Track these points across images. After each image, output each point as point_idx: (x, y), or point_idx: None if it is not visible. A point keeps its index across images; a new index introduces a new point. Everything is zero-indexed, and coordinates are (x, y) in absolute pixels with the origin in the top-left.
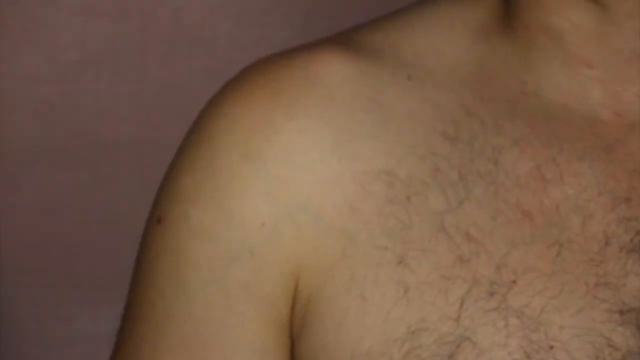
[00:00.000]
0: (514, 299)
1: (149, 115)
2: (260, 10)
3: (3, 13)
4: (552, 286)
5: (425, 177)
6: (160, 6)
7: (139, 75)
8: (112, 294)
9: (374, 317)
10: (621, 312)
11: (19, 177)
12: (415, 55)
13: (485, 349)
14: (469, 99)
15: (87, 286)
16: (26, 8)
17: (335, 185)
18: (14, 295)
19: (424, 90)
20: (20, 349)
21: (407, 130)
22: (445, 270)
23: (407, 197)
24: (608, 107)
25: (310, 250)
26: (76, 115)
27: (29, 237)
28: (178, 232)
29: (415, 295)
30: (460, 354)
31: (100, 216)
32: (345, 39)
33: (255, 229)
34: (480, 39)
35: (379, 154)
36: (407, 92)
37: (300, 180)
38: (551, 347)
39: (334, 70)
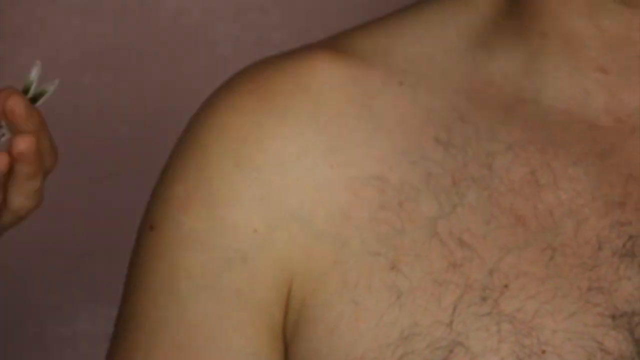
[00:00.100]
0: (507, 304)
1: (149, 115)
2: (260, 10)
3: (3, 13)
4: (545, 291)
5: (418, 182)
6: (160, 6)
7: (139, 75)
8: (112, 294)
9: (367, 323)
10: (613, 317)
11: None
12: (407, 60)
13: (478, 353)
14: (462, 104)
15: (87, 286)
16: (26, 8)
17: (327, 192)
18: (14, 295)
19: (416, 95)
20: (20, 349)
21: (398, 136)
22: (438, 276)
23: (399, 202)
24: (610, 112)
25: (303, 257)
26: (76, 115)
27: (29, 237)
28: (170, 240)
29: (408, 300)
30: (453, 358)
31: (100, 216)
32: (336, 44)
33: (248, 235)
34: (475, 45)
35: (371, 160)
36: (398, 97)
37: (293, 187)
38: (543, 352)
39: (325, 76)
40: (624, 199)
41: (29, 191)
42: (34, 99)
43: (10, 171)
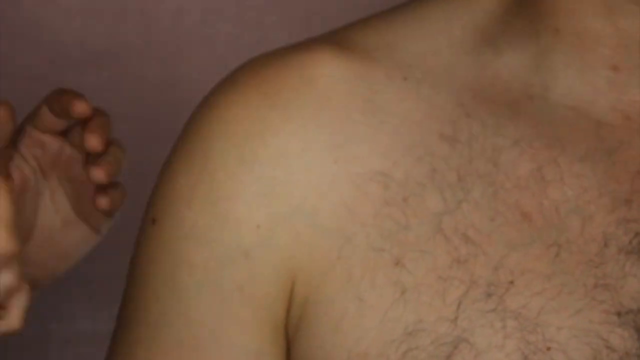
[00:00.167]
0: (512, 300)
1: (149, 115)
2: (260, 10)
3: (3, 13)
4: (551, 287)
5: (422, 178)
6: (160, 6)
7: (139, 75)
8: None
9: (371, 319)
10: (619, 314)
11: None
12: (411, 55)
13: (483, 350)
14: (468, 99)
15: (87, 286)
16: (26, 8)
17: (332, 187)
18: None
19: (421, 90)
20: (20, 349)
21: (403, 131)
22: (443, 272)
23: (403, 198)
24: (619, 110)
25: (307, 252)
26: None
27: None
28: (172, 234)
29: (412, 296)
30: (457, 355)
31: None
32: (340, 38)
33: (251, 231)
34: (481, 41)
35: (375, 156)
36: (403, 92)
37: (296, 182)
38: (548, 349)
39: (329, 71)
40: (631, 196)
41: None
42: None
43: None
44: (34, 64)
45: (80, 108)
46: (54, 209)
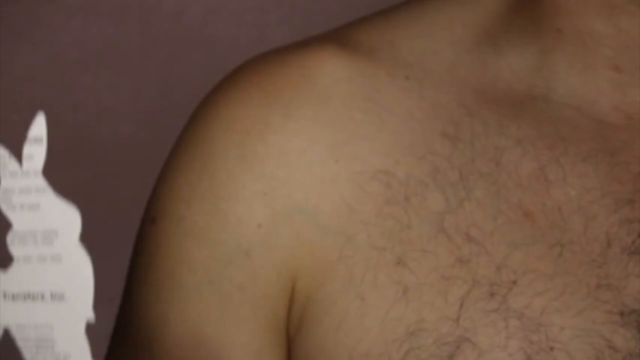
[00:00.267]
0: (515, 300)
1: (149, 115)
2: (260, 10)
3: (3, 13)
4: (553, 287)
5: (424, 177)
6: (160, 6)
7: (139, 75)
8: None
9: (372, 318)
10: (622, 314)
11: None
12: (413, 55)
13: (486, 350)
14: (470, 99)
15: None
16: (26, 8)
17: (333, 186)
18: None
19: (423, 89)
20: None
21: (405, 130)
22: (445, 271)
23: (405, 197)
24: (622, 110)
25: (308, 252)
26: (76, 115)
27: None
28: (172, 234)
29: (414, 295)
30: (460, 355)
31: (100, 216)
32: (340, 37)
33: (252, 230)
34: (482, 41)
35: (377, 154)
36: (404, 91)
37: (297, 181)
38: (552, 349)
39: (330, 69)
40: (634, 196)
41: None
42: None
43: None
44: (34, 64)
45: None
46: None
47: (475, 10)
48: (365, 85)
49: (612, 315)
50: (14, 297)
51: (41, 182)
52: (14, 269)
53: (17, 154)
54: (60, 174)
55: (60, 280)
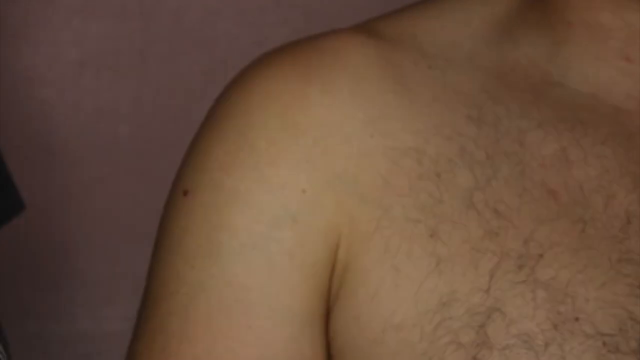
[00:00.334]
0: (542, 272)
1: (149, 115)
2: (260, 10)
3: (3, 13)
4: (577, 261)
5: (453, 155)
6: (160, 6)
7: (139, 75)
8: (113, 294)
9: (406, 289)
10: None
11: (19, 177)
12: (435, 47)
13: (515, 319)
14: (491, 86)
15: (87, 286)
16: (26, 8)
17: (369, 159)
18: (14, 295)
19: (446, 77)
20: (20, 349)
21: (432, 112)
22: (475, 244)
23: (436, 173)
24: (634, 98)
25: (348, 220)
26: (76, 115)
27: (28, 237)
28: (210, 203)
29: (446, 267)
30: (490, 324)
31: (100, 216)
32: (366, 29)
33: (297, 195)
34: (500, 33)
35: (408, 133)
36: (429, 79)
37: (337, 152)
38: (577, 319)
39: (361, 53)
40: None
41: None
42: None
43: None
44: (34, 64)
45: None
46: None
47: (491, 6)
48: (392, 70)
49: (634, 288)
50: None
51: None
52: None
53: (18, 151)
54: (60, 174)
55: None
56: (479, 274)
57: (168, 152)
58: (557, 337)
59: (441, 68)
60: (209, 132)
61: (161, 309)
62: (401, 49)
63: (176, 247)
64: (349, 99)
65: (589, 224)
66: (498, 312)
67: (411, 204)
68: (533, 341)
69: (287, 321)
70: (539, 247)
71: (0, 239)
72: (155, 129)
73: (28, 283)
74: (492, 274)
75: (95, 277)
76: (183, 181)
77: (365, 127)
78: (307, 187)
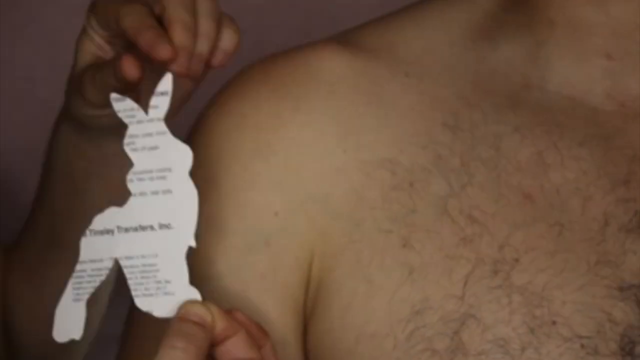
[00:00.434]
0: (517, 277)
1: None
2: (260, 10)
3: (3, 13)
4: (554, 264)
5: (428, 164)
6: None
7: None
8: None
9: (379, 300)
10: (621, 289)
11: (19, 177)
12: (411, 54)
13: (490, 325)
14: (468, 92)
15: None
16: (26, 8)
17: (342, 175)
18: None
19: (422, 85)
20: None
21: (407, 121)
22: (449, 251)
23: (410, 183)
24: (614, 98)
25: (321, 238)
26: None
27: None
28: None
29: (419, 275)
30: (465, 330)
31: None
32: (342, 38)
33: (270, 218)
34: (478, 38)
35: (382, 144)
36: (405, 87)
37: (309, 171)
38: (554, 322)
39: (334, 66)
40: (628, 177)
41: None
42: None
43: None
44: (34, 64)
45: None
46: None
47: (470, 11)
48: (367, 81)
49: (612, 290)
50: (126, 230)
51: (162, 127)
52: (130, 204)
53: (18, 151)
54: None
55: (169, 212)
56: (453, 281)
57: None
58: (533, 341)
59: (418, 76)
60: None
61: (146, 333)
62: (377, 58)
63: None
64: (322, 115)
65: (566, 227)
66: (473, 318)
67: (384, 215)
68: (509, 345)
69: None
70: (515, 252)
71: (0, 239)
72: None
73: None
74: (467, 280)
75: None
76: None
77: (338, 143)
78: (280, 209)
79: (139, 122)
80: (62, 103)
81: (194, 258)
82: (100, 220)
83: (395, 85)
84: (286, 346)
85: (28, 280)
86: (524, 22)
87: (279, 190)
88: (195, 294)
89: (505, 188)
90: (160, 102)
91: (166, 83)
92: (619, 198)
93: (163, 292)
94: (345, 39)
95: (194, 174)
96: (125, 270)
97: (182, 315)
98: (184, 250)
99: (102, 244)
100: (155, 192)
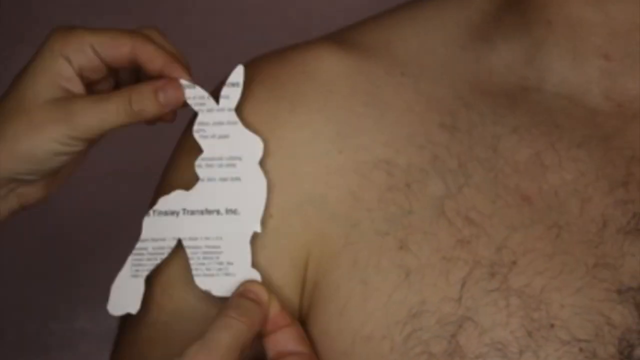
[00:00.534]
0: (515, 279)
1: None
2: (260, 10)
3: (3, 13)
4: (552, 266)
5: (424, 165)
6: (160, 6)
7: None
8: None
9: (375, 302)
10: (619, 292)
11: None
12: (408, 53)
13: (488, 328)
14: (466, 92)
15: (87, 286)
16: (26, 8)
17: (338, 176)
18: (14, 295)
19: (419, 84)
20: (20, 349)
21: (404, 121)
22: (446, 253)
23: (406, 184)
24: (612, 98)
25: (317, 239)
26: None
27: (28, 237)
28: None
29: (416, 278)
30: (462, 333)
31: (100, 216)
32: (338, 38)
33: (265, 219)
34: (475, 38)
35: (378, 145)
36: (402, 87)
37: (305, 172)
38: (552, 326)
39: (330, 66)
40: (627, 178)
41: None
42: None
43: None
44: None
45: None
46: None
47: (467, 10)
48: (364, 81)
49: (610, 293)
50: (192, 213)
51: (233, 116)
52: (197, 189)
53: None
54: None
55: (237, 198)
56: (450, 283)
57: (168, 152)
58: (531, 344)
59: (415, 75)
60: (182, 155)
61: (140, 337)
62: (374, 58)
63: (154, 277)
64: (318, 115)
65: (564, 229)
66: (470, 321)
67: (380, 216)
68: (507, 349)
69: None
70: (512, 254)
71: (0, 239)
72: (155, 129)
73: (28, 283)
74: (464, 282)
75: (95, 277)
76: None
77: (334, 143)
78: (275, 211)
79: (209, 110)
80: None
81: (181, 261)
82: (165, 202)
83: (391, 85)
84: None
85: None
86: (522, 21)
87: (274, 191)
88: (256, 275)
89: (502, 189)
90: (232, 93)
91: (238, 74)
92: (618, 200)
93: (224, 272)
94: (342, 37)
95: (186, 174)
96: (188, 251)
97: (241, 292)
98: (249, 234)
99: (166, 224)
100: (224, 179)
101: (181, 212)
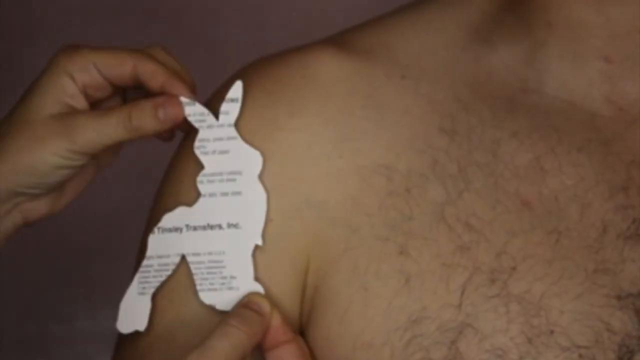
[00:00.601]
0: (515, 285)
1: None
2: (260, 10)
3: (3, 13)
4: (552, 272)
5: (424, 170)
6: (159, 6)
7: None
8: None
9: (375, 308)
10: (619, 298)
11: None
12: (408, 55)
13: (488, 334)
14: (465, 95)
15: (87, 286)
16: (26, 8)
17: (338, 180)
18: (14, 295)
19: (419, 87)
20: (20, 349)
21: (404, 125)
22: (446, 259)
23: (406, 189)
24: (612, 102)
25: (317, 244)
26: None
27: (28, 237)
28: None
29: (416, 284)
30: (462, 340)
31: (100, 216)
32: (338, 40)
33: (265, 225)
34: (476, 39)
35: (378, 149)
36: (401, 90)
37: (305, 176)
38: (552, 332)
39: (330, 69)
40: (627, 183)
41: None
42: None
43: None
44: (34, 63)
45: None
46: None
47: (467, 12)
48: (363, 84)
49: (610, 299)
50: (195, 228)
51: (233, 132)
52: (199, 204)
53: None
54: None
55: (238, 212)
56: (450, 290)
57: (168, 152)
58: (531, 350)
59: (415, 78)
60: (182, 158)
61: (142, 341)
62: (373, 60)
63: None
64: (318, 118)
65: (564, 234)
66: (470, 328)
67: (380, 222)
68: (507, 355)
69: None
70: (512, 260)
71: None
72: None
73: (28, 283)
74: (464, 289)
75: (95, 277)
76: (157, 217)
77: (334, 147)
78: (275, 215)
79: (210, 126)
80: None
81: (182, 266)
82: (169, 219)
83: (391, 88)
84: None
85: None
86: (522, 23)
87: (274, 196)
88: (259, 288)
89: (502, 194)
90: (231, 109)
91: (237, 90)
92: (618, 205)
93: (227, 287)
94: (342, 40)
95: (187, 177)
96: (192, 266)
97: (244, 303)
98: (251, 248)
99: (170, 241)
100: (224, 194)
101: (184, 228)
